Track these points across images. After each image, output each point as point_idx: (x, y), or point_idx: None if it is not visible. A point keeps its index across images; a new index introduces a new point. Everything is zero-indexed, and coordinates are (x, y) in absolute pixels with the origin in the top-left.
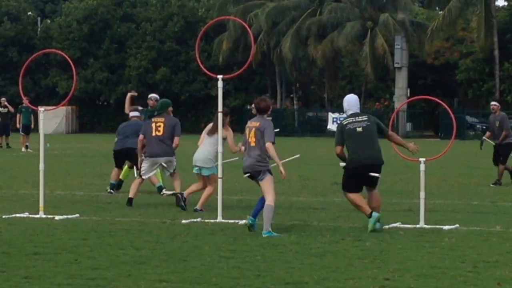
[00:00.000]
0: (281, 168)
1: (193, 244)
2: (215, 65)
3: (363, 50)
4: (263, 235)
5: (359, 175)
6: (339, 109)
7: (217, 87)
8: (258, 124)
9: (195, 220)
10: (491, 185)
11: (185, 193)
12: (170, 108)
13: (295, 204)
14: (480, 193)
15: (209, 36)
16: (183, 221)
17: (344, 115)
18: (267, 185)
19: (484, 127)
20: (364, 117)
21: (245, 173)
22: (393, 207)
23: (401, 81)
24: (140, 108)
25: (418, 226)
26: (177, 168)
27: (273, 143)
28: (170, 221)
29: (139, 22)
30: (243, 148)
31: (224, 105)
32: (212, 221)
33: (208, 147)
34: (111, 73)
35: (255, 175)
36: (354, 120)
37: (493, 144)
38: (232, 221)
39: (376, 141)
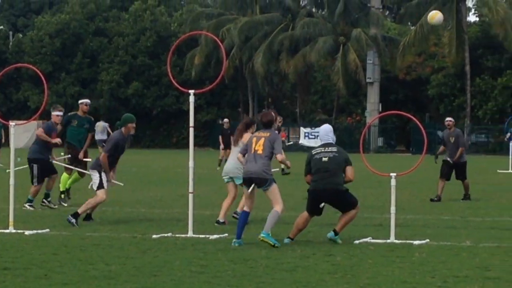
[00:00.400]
0: (288, 162)
1: (163, 259)
2: (187, 80)
3: (335, 65)
4: (262, 235)
5: (316, 201)
6: (311, 123)
7: (189, 102)
8: (268, 134)
9: (165, 235)
10: (433, 199)
11: (222, 215)
12: (131, 124)
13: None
14: (450, 208)
15: (181, 51)
16: (154, 236)
17: (317, 130)
18: (274, 194)
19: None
20: (334, 149)
21: (249, 178)
22: (364, 221)
23: (373, 96)
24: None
25: (388, 241)
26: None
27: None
28: (141, 236)
29: (111, 36)
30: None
31: (195, 120)
32: (183, 235)
33: (235, 157)
34: (83, 87)
35: (260, 183)
36: (322, 150)
37: (448, 159)
38: (203, 236)
39: (339, 172)
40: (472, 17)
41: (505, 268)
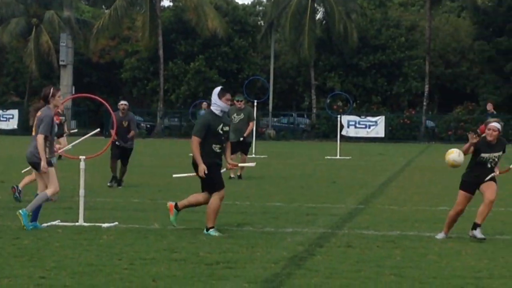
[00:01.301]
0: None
1: None
2: None
3: (28, 47)
4: (19, 211)
5: None
6: (3, 106)
7: None
8: (40, 113)
9: None
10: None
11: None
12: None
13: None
14: (140, 191)
15: None
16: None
17: (10, 113)
18: (49, 176)
19: (149, 126)
20: None
21: (29, 163)
22: (53, 204)
23: (66, 78)
24: None
25: (77, 224)
26: None
27: (46, 136)
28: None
29: None
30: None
31: None
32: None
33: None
34: None
35: (35, 166)
36: None
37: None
38: None
39: None
40: (166, 2)
41: (191, 250)
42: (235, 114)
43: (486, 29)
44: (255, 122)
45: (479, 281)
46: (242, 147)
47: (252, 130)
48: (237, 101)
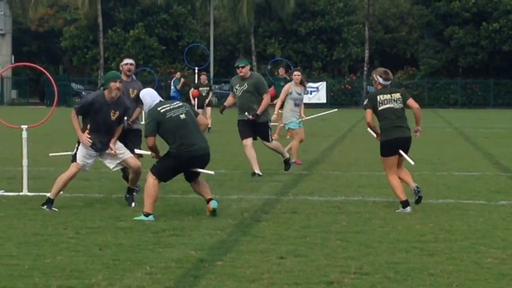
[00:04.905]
0: None
1: None
2: None
3: None
4: None
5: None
6: None
7: None
8: None
9: None
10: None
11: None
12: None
13: None
14: None
15: None
16: None
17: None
18: None
19: (87, 93)
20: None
21: None
22: None
23: (5, 48)
24: None
25: (21, 193)
26: None
27: None
28: None
29: None
30: None
31: None
32: None
33: None
34: None
35: None
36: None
37: None
38: None
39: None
40: None
41: (134, 217)
42: (237, 85)
43: None
44: (269, 94)
45: (424, 245)
46: (259, 131)
47: (267, 105)
48: (239, 67)
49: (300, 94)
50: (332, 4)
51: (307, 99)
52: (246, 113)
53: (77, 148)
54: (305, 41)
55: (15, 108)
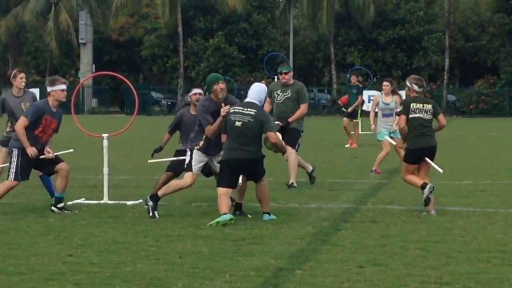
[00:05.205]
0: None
1: None
2: None
3: (48, 26)
4: None
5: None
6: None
7: None
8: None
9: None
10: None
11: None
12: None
13: None
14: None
15: None
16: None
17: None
18: None
19: (170, 103)
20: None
21: None
22: (78, 183)
23: (86, 57)
24: None
25: (102, 201)
26: None
27: None
28: None
29: None
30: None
31: None
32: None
33: None
34: None
35: None
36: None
37: None
38: None
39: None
40: None
41: (216, 227)
42: (279, 91)
43: (506, 2)
44: (307, 104)
45: (506, 255)
46: (287, 136)
47: (302, 115)
48: (282, 73)
49: (388, 104)
50: (412, 12)
51: None
52: (277, 122)
53: (191, 156)
54: (385, 50)
55: (96, 117)
